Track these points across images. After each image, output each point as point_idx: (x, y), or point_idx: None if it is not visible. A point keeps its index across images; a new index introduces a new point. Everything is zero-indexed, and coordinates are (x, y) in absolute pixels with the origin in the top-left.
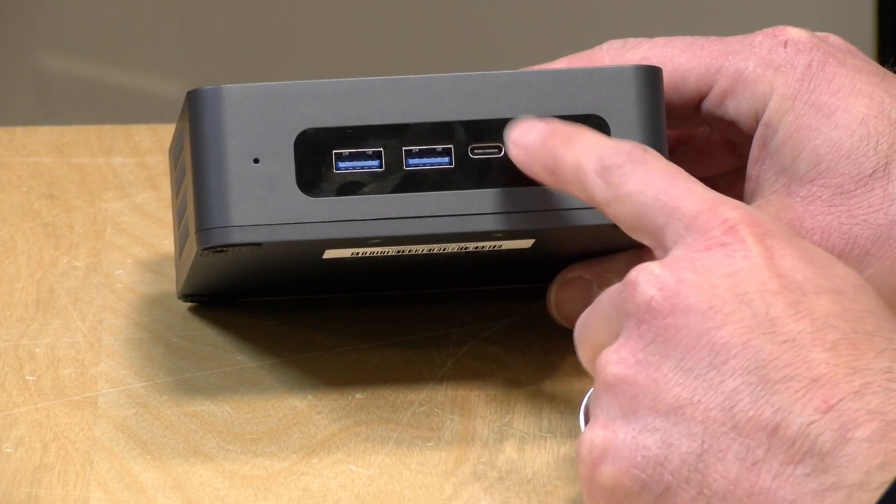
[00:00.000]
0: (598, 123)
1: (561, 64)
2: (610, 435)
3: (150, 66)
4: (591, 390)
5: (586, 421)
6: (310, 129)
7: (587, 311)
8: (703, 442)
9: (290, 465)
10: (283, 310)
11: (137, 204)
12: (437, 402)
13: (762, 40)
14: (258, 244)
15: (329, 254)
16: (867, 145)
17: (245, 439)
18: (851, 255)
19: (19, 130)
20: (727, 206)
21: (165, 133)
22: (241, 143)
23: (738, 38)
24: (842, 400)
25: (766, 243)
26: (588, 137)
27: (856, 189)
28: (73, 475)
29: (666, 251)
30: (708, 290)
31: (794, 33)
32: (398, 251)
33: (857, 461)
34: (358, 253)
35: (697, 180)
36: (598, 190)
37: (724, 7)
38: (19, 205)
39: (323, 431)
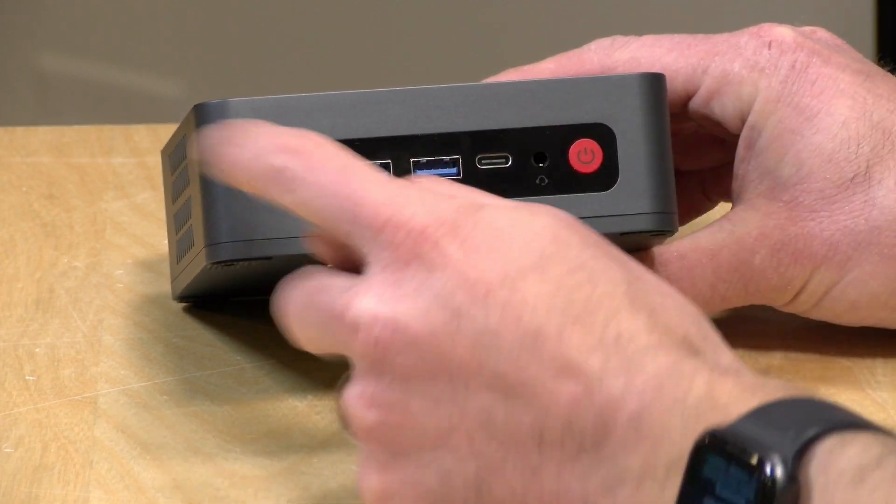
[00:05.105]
0: (603, 132)
1: (549, 64)
2: (387, 479)
3: (150, 66)
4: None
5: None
6: None
7: (302, 298)
8: (476, 464)
9: (290, 465)
10: None
11: (137, 204)
12: None
13: (747, 40)
14: (269, 258)
15: None
16: (848, 149)
17: (245, 439)
18: (833, 261)
19: (19, 130)
20: (407, 211)
21: (165, 133)
22: None
23: (725, 36)
24: (589, 386)
25: (458, 240)
26: (258, 131)
27: (837, 194)
28: (72, 475)
29: (362, 253)
30: (425, 315)
31: (779, 33)
32: None
33: (628, 447)
34: None
35: (370, 166)
36: (280, 197)
37: (724, 4)
38: (19, 205)
39: (323, 431)
